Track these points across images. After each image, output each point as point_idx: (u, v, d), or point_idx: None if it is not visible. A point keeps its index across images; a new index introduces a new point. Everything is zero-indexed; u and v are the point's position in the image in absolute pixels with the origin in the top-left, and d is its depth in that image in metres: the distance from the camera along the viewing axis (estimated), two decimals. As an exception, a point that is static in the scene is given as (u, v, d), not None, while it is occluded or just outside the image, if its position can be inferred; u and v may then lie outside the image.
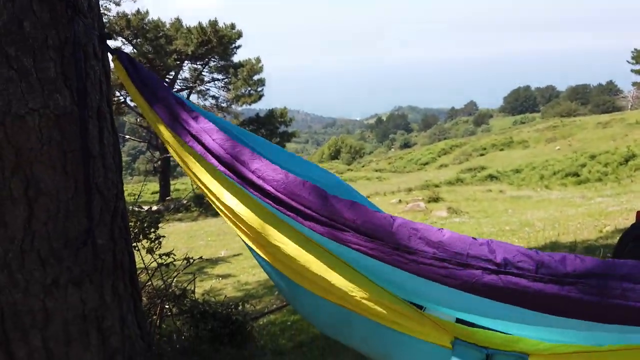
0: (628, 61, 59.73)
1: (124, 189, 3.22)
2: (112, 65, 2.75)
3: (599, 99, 72.10)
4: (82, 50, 2.60)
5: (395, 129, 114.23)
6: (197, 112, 2.29)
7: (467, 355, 1.56)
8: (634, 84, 64.14)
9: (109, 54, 2.55)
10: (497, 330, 1.58)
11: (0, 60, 2.40)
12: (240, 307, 3.89)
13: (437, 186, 22.09)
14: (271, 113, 26.92)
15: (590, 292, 1.26)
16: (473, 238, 1.46)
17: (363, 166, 44.97)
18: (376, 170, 37.53)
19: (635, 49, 59.04)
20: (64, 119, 2.58)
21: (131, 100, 23.50)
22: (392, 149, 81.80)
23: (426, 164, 39.15)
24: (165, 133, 2.40)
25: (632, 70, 59.85)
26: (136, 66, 2.47)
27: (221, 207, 2.28)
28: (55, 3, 2.50)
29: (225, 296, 4.10)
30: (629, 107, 59.72)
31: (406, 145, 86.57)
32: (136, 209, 3.82)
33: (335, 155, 65.24)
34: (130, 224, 3.41)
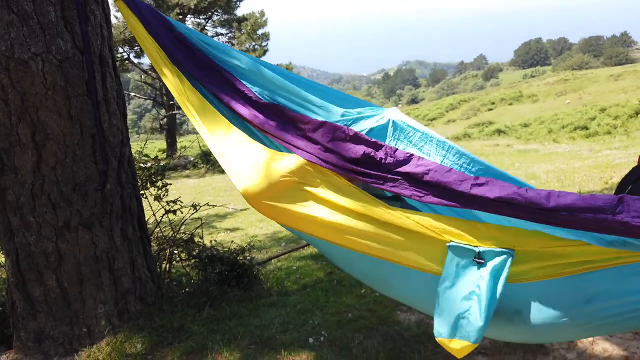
0: (644, 11, 57.73)
1: (131, 146, 3.25)
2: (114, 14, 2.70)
3: (612, 51, 70.35)
4: (81, -7, 2.58)
5: (403, 84, 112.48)
6: (218, 65, 2.27)
7: (461, 253, 1.73)
8: (649, 34, 62.23)
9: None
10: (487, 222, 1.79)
11: (0, 4, 2.40)
12: (246, 254, 4.00)
13: (443, 141, 21.96)
14: (276, 68, 26.54)
15: (569, 225, 1.53)
16: (475, 177, 1.66)
17: (370, 122, 44.38)
18: (383, 126, 37.12)
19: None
20: (67, 64, 2.59)
21: (135, 57, 23.21)
22: (399, 105, 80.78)
23: (434, 119, 38.75)
24: (174, 76, 2.30)
25: (648, 21, 57.86)
26: (140, 5, 2.37)
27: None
28: (51, -56, 2.47)
29: (232, 242, 4.19)
30: (643, 59, 58.26)
31: (414, 100, 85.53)
32: (142, 164, 3.85)
33: (342, 112, 64.43)
34: (137, 172, 3.47)
